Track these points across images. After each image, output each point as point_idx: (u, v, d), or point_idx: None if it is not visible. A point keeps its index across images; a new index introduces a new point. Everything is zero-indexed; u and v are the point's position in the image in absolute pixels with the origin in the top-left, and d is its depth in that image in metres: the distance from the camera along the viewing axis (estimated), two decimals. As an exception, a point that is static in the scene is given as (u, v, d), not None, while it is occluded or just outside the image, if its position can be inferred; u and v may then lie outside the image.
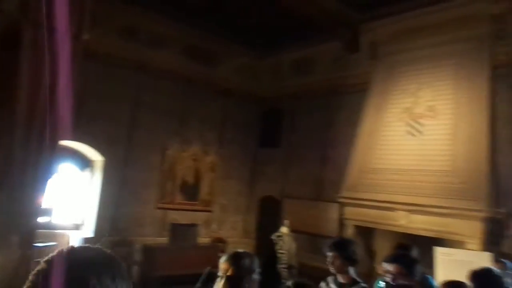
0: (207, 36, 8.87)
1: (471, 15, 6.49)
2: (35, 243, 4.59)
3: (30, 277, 0.96)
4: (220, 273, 2.01)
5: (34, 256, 4.62)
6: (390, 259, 2.61)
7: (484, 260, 4.67)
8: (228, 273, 1.97)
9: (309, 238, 8.00)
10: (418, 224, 6.12)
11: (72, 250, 1.02)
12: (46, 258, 1.00)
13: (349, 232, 7.09)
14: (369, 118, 7.33)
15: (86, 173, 8.24)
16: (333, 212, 7.95)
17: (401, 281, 2.37)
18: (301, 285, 3.19)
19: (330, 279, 3.10)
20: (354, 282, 3.01)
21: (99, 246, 1.08)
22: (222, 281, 1.96)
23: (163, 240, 8.43)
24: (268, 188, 9.57)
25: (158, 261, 7.77)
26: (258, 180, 9.85)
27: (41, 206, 4.46)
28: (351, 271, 3.02)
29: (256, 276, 2.03)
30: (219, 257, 7.59)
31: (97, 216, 7.81)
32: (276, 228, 9.13)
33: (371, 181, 6.85)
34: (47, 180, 4.47)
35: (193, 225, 8.79)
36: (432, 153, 6.26)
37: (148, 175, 8.33)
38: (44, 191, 4.44)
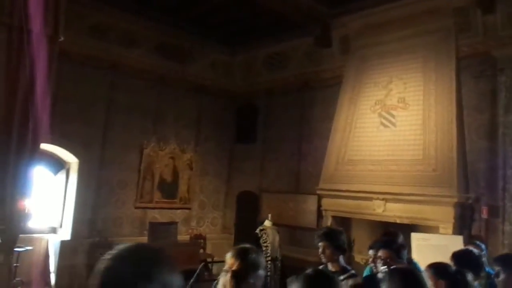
0: (179, 34, 8.82)
1: (436, 9, 6.75)
2: (16, 247, 4.50)
3: (99, 275, 1.00)
4: (225, 268, 2.06)
5: (14, 261, 4.55)
6: (380, 245, 2.76)
7: (457, 243, 4.95)
8: (234, 268, 2.03)
9: (288, 230, 8.16)
10: (393, 212, 6.37)
11: (133, 248, 1.06)
12: (111, 255, 1.04)
13: (328, 223, 7.29)
14: (343, 111, 7.54)
15: (61, 175, 8.07)
16: (311, 204, 8.14)
17: (394, 265, 2.52)
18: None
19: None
20: (344, 270, 3.15)
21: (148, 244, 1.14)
22: (228, 276, 2.01)
23: (143, 239, 8.36)
24: (246, 183, 9.66)
25: (139, 261, 7.72)
26: (235, 176, 9.92)
27: (23, 210, 4.37)
28: (341, 259, 3.17)
29: (261, 272, 2.09)
30: (199, 254, 7.71)
31: (74, 218, 7.68)
32: (254, 222, 9.27)
33: (347, 173, 7.07)
34: (28, 184, 4.39)
35: (172, 223, 8.78)
36: (405, 143, 6.52)
37: (125, 175, 8.25)
38: (26, 195, 4.36)
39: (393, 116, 6.83)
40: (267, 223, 5.78)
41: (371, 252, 3.46)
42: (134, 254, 1.05)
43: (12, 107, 4.27)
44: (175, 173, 8.89)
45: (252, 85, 9.71)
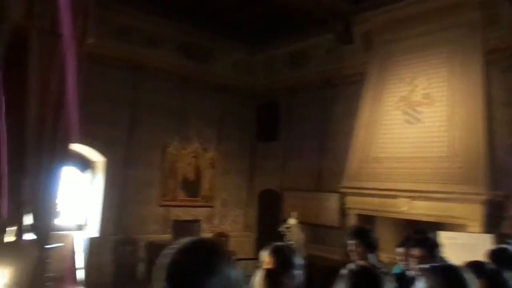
0: (200, 33, 8.91)
1: (462, 2, 6.60)
2: (49, 244, 4.64)
3: (165, 269, 1.02)
4: (260, 265, 2.08)
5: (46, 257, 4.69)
6: (414, 243, 2.74)
7: (486, 242, 4.86)
8: (269, 266, 2.04)
9: (311, 228, 8.13)
10: (419, 210, 6.28)
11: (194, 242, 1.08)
12: (175, 249, 1.06)
13: (352, 221, 7.24)
14: (366, 108, 7.47)
15: (88, 174, 8.26)
16: (333, 202, 8.09)
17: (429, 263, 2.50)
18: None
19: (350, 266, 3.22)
20: (374, 268, 3.14)
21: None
22: (262, 273, 2.03)
23: (167, 237, 8.49)
24: (268, 181, 9.68)
25: (163, 258, 7.85)
26: (257, 174, 9.95)
27: (55, 208, 4.50)
28: (371, 257, 3.16)
29: (298, 272, 2.09)
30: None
31: (101, 216, 7.86)
32: (276, 221, 9.29)
33: (372, 170, 7.00)
34: (59, 183, 4.52)
35: (195, 221, 8.88)
36: (430, 140, 6.42)
37: (149, 173, 8.38)
38: (57, 193, 4.49)
39: (418, 112, 6.73)
40: (292, 221, 5.79)
41: (400, 249, 3.43)
42: (198, 248, 1.07)
43: (44, 109, 4.40)
44: (198, 172, 8.98)
45: (273, 83, 9.71)
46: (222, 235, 9.27)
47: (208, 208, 9.22)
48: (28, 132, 4.33)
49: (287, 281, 2.04)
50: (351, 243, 3.18)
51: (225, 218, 9.56)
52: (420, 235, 3.61)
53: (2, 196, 3.96)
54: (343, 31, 8.16)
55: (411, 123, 6.77)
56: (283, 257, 2.07)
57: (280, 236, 5.63)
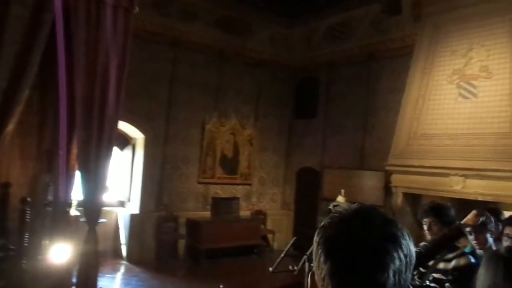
0: (238, 7, 8.61)
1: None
2: (98, 220, 4.61)
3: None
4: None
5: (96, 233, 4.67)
6: (508, 222, 2.53)
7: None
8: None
9: (353, 207, 7.92)
10: (474, 189, 5.95)
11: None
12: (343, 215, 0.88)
13: (398, 200, 6.99)
14: (415, 83, 7.07)
15: (127, 151, 8.27)
16: (377, 180, 7.84)
17: None
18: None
19: (423, 245, 3.02)
20: (453, 248, 2.92)
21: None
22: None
23: (206, 214, 8.49)
24: (306, 159, 9.48)
25: (203, 235, 7.87)
26: (295, 152, 9.75)
27: (105, 183, 4.46)
28: None
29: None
30: (260, 229, 7.70)
31: (141, 192, 7.87)
32: (315, 199, 9.12)
33: (421, 147, 6.68)
34: (110, 158, 4.46)
35: (234, 199, 8.82)
36: (488, 115, 6.02)
37: (188, 150, 8.32)
38: (108, 169, 4.43)
39: (474, 86, 6.31)
40: (340, 198, 5.57)
41: (467, 229, 3.21)
42: (377, 216, 0.87)
43: (93, 82, 4.29)
44: (236, 149, 8.86)
45: (312, 58, 9.37)
46: (260, 213, 9.21)
47: (246, 186, 9.13)
48: (76, 106, 4.24)
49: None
50: (426, 220, 2.96)
51: (263, 196, 9.45)
52: (495, 215, 3.36)
53: (60, 176, 3.93)
54: (389, 1, 7.70)
55: (466, 98, 6.36)
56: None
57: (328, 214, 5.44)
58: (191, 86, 8.31)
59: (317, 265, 0.86)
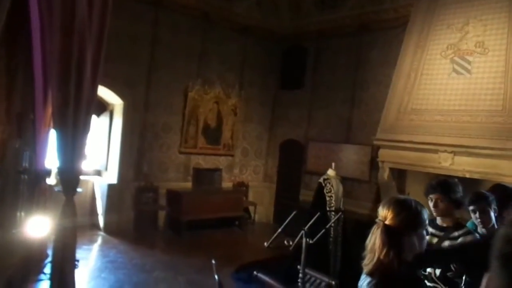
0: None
1: None
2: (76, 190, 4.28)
3: None
4: (378, 220, 1.69)
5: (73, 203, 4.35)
6: None
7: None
8: (388, 222, 1.66)
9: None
10: (463, 166, 5.92)
11: None
12: None
13: (385, 175, 6.92)
14: (408, 56, 6.88)
15: (104, 117, 7.82)
16: (363, 155, 7.75)
17: None
18: None
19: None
20: (459, 226, 2.80)
21: None
22: (379, 230, 1.64)
23: (187, 185, 8.23)
24: (290, 131, 9.27)
25: (184, 206, 7.64)
26: (279, 124, 9.52)
27: (83, 152, 4.10)
28: (457, 214, 2.81)
29: (424, 231, 1.71)
30: (242, 201, 7.54)
31: (120, 161, 7.50)
32: (298, 172, 9.00)
33: (411, 123, 6.56)
34: (89, 125, 4.09)
35: (216, 170, 8.57)
36: (481, 92, 5.92)
37: (170, 118, 7.94)
38: (87, 136, 4.07)
39: (468, 62, 6.17)
40: (331, 172, 5.43)
41: (472, 207, 3.11)
42: None
43: (70, 39, 3.85)
44: (219, 119, 8.54)
45: (301, 27, 9.00)
46: (242, 184, 9.03)
47: (229, 157, 8.88)
48: (52, 66, 3.82)
49: (409, 241, 1.65)
50: (433, 197, 2.81)
51: (245, 167, 9.25)
52: (499, 192, 3.26)
53: (36, 144, 3.55)
54: (385, -32, 7.38)
55: (460, 74, 6.23)
56: (405, 213, 1.66)
57: (320, 188, 5.30)
58: (174, 51, 7.84)
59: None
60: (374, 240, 1.64)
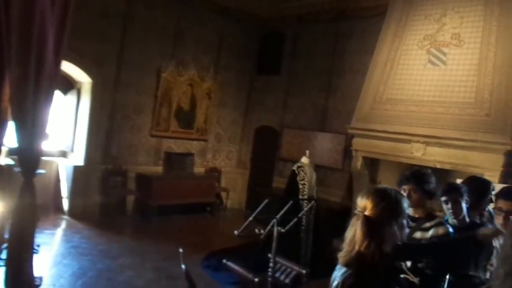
0: None
1: None
2: (36, 171, 4.03)
3: None
4: (357, 211, 1.61)
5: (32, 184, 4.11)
6: (502, 195, 2.36)
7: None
8: (367, 213, 1.58)
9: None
10: (434, 156, 5.98)
11: None
12: None
13: (358, 163, 6.93)
14: (385, 45, 6.84)
15: (71, 96, 7.46)
16: (337, 143, 7.74)
17: None
18: None
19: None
20: (431, 216, 2.77)
21: None
22: (359, 221, 1.57)
23: (158, 169, 8.01)
24: (265, 117, 9.16)
25: (154, 191, 7.45)
26: (254, 109, 9.38)
27: (44, 130, 3.85)
28: (428, 205, 2.77)
29: (404, 221, 1.64)
30: (215, 187, 7.39)
31: (87, 143, 7.19)
32: (272, 158, 8.92)
33: (385, 112, 6.57)
34: (50, 101, 3.82)
35: (188, 154, 8.38)
36: (455, 84, 5.96)
37: (141, 99, 7.66)
38: (48, 113, 3.81)
39: (444, 53, 6.19)
40: (305, 160, 5.37)
41: (444, 198, 3.09)
42: None
43: (31, 9, 3.56)
44: (193, 102, 8.31)
45: (280, 11, 8.81)
46: (214, 170, 8.88)
47: (202, 142, 8.69)
48: (10, 39, 3.52)
49: (389, 231, 1.58)
50: (405, 188, 2.76)
51: (219, 153, 9.09)
52: (473, 184, 3.23)
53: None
54: (366, -45, 7.28)
55: (435, 65, 6.25)
56: (386, 203, 1.59)
57: (293, 175, 5.23)
58: (147, 29, 7.53)
59: None
60: (354, 232, 1.58)
